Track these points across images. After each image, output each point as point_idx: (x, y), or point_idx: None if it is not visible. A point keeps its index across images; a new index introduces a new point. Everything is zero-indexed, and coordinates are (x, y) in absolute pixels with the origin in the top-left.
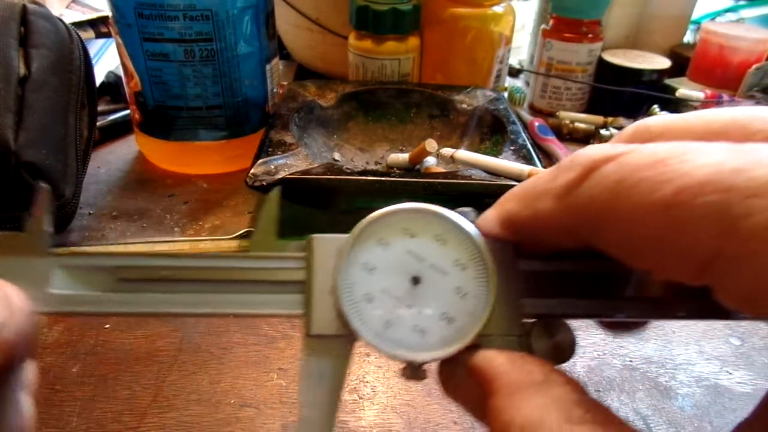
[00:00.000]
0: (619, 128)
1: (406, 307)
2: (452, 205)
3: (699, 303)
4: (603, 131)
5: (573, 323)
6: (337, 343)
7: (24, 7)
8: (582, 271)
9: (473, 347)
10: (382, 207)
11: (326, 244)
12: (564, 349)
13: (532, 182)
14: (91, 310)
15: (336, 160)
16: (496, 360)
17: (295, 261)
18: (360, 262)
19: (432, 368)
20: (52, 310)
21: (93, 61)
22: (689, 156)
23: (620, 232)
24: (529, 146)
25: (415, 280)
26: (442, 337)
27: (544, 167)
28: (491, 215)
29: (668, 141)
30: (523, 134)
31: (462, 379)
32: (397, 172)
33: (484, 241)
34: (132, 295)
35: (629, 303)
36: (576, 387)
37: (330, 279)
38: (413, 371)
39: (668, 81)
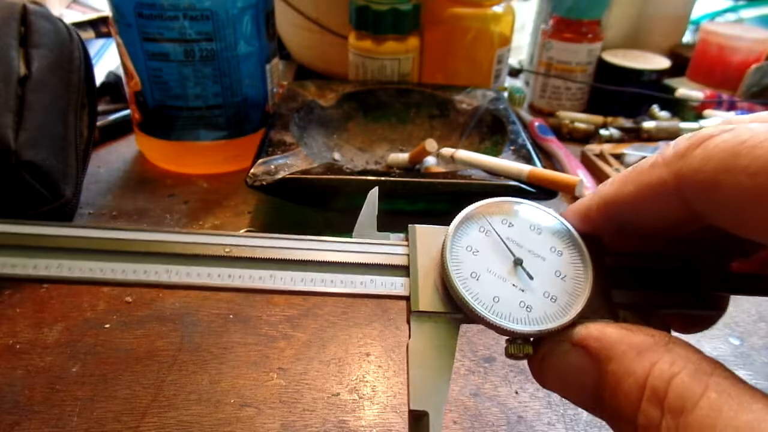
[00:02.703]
0: (619, 128)
1: (511, 285)
2: (453, 206)
3: None
4: (603, 131)
5: None
6: (443, 320)
7: (24, 7)
8: (664, 266)
9: (573, 326)
10: (383, 207)
11: (427, 232)
12: None
13: (631, 168)
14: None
15: (336, 160)
16: (608, 329)
17: (398, 247)
18: (464, 245)
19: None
20: None
21: (93, 61)
22: None
23: (740, 189)
24: (529, 146)
25: (518, 262)
26: (547, 313)
27: (544, 167)
28: (583, 203)
29: None
30: (522, 134)
31: (564, 355)
32: (397, 171)
33: (575, 230)
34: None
35: (713, 297)
36: (695, 347)
37: (433, 262)
38: (517, 347)
39: (668, 81)
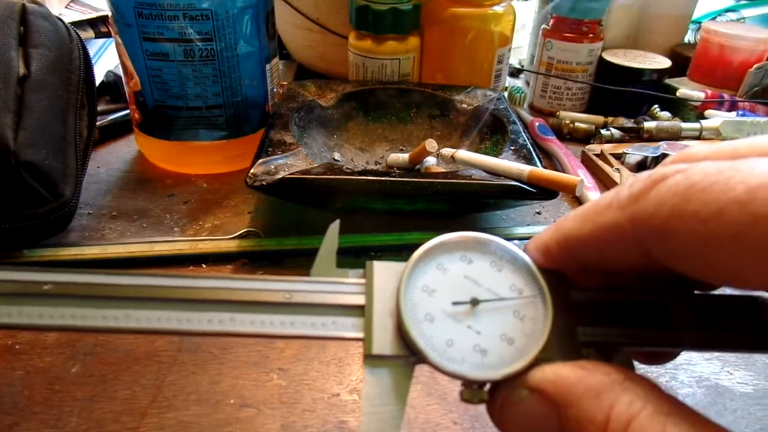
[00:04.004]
0: (620, 128)
1: (466, 327)
2: (453, 206)
3: (754, 336)
4: (603, 131)
5: None
6: (397, 364)
7: (23, 6)
8: (632, 302)
9: (531, 369)
10: (383, 207)
11: (385, 269)
12: None
13: (590, 203)
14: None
15: (336, 160)
16: (564, 370)
17: (354, 286)
18: (420, 285)
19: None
20: None
21: (93, 61)
22: (751, 164)
23: (691, 235)
24: (530, 146)
25: (474, 302)
26: (503, 357)
27: (544, 167)
28: (543, 238)
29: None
30: (523, 134)
31: (522, 402)
32: (397, 172)
33: (537, 268)
34: (202, 314)
35: (684, 332)
36: (652, 384)
37: (389, 302)
38: (473, 393)
39: (669, 81)
